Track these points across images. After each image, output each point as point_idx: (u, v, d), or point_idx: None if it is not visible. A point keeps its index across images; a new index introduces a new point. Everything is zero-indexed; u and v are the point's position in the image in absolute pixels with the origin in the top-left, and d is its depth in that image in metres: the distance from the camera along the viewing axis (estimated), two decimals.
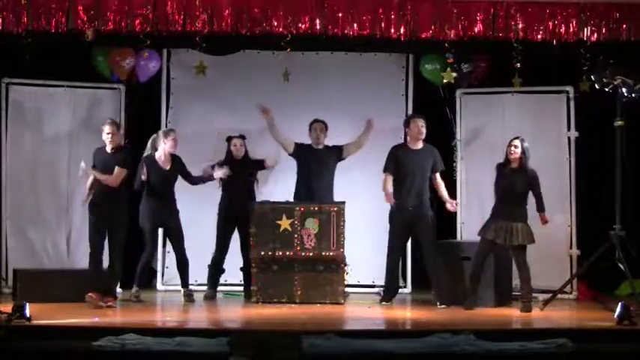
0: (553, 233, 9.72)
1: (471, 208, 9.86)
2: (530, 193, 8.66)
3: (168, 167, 9.12)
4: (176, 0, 8.84)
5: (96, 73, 9.91)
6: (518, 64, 9.28)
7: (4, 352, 6.60)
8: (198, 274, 9.56)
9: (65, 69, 9.77)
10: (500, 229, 8.53)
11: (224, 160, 9.43)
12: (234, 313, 8.58)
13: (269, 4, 8.92)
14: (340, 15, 8.96)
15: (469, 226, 9.77)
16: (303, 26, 8.94)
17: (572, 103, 9.80)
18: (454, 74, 9.68)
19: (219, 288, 9.55)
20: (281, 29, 8.93)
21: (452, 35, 9.03)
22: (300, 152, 9.47)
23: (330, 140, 9.61)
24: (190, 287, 9.25)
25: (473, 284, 8.67)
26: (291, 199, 9.41)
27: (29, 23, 8.74)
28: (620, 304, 7.51)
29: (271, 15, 8.92)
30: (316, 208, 8.98)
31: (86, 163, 8.55)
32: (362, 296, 9.57)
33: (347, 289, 9.19)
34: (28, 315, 7.13)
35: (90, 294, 8.36)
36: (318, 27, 8.95)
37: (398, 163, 9.07)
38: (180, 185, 9.30)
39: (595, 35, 9.00)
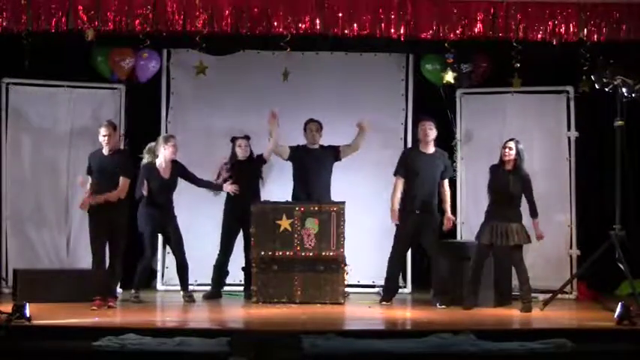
0: (553, 233, 9.74)
1: (471, 208, 9.86)
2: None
3: (168, 175, 9.08)
4: (176, 0, 8.85)
5: (96, 73, 9.91)
6: (518, 64, 9.28)
7: (4, 352, 6.60)
8: (198, 274, 9.56)
9: (65, 69, 9.77)
10: (496, 230, 8.53)
11: (229, 160, 9.43)
12: (234, 313, 8.58)
13: (269, 4, 8.92)
14: (340, 15, 8.97)
15: (469, 226, 9.77)
16: (303, 26, 8.94)
17: (572, 103, 9.80)
18: (454, 74, 9.68)
19: (220, 289, 9.54)
20: (281, 29, 8.94)
21: (452, 35, 9.04)
22: (296, 154, 9.47)
23: (330, 140, 9.60)
24: (190, 290, 9.24)
25: (472, 285, 8.67)
26: (291, 200, 9.41)
27: (29, 23, 8.74)
28: (620, 304, 7.52)
29: (271, 15, 8.93)
30: (316, 208, 8.99)
31: (83, 177, 8.57)
32: (362, 296, 9.57)
33: (347, 289, 9.19)
34: (28, 315, 7.14)
35: (96, 301, 8.34)
36: (318, 27, 8.96)
37: (408, 166, 9.05)
38: (182, 186, 9.29)
39: (595, 35, 9.01)
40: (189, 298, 9.11)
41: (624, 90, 8.42)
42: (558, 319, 8.14)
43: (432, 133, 9.04)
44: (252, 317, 8.28)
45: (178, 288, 9.33)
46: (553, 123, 9.88)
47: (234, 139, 9.48)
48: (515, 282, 8.90)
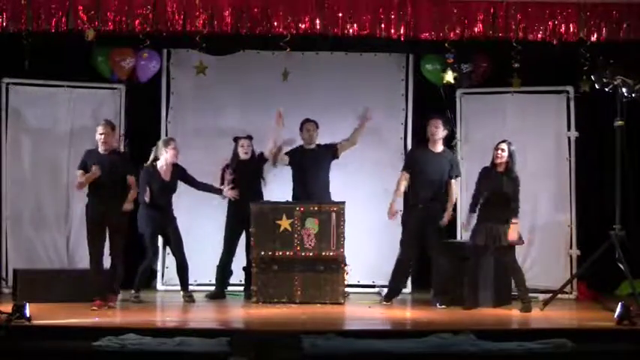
0: (553, 233, 9.75)
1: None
2: None
3: (168, 178, 9.10)
4: (176, 0, 8.85)
5: (96, 73, 9.91)
6: (517, 65, 9.27)
7: (4, 352, 6.60)
8: (199, 274, 9.57)
9: (65, 69, 9.76)
10: (489, 231, 8.54)
11: (230, 160, 9.43)
12: (234, 313, 8.58)
13: (269, 4, 8.92)
14: (340, 15, 8.97)
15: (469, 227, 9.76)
16: (303, 26, 8.95)
17: (572, 103, 9.80)
18: (454, 74, 9.68)
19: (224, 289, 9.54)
20: (281, 29, 8.94)
21: (452, 35, 9.04)
22: (294, 158, 9.47)
23: (330, 140, 9.61)
24: (190, 290, 9.24)
25: (472, 285, 8.68)
26: (291, 200, 9.41)
27: (29, 23, 8.75)
28: (620, 304, 7.53)
29: (271, 15, 8.93)
30: (316, 208, 8.99)
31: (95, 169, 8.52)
32: (362, 296, 9.56)
33: (347, 289, 9.19)
34: (28, 315, 7.14)
35: (96, 302, 8.34)
36: (318, 27, 8.96)
37: (414, 162, 9.08)
38: (182, 188, 9.29)
39: (595, 35, 9.01)
40: (189, 298, 9.11)
41: (624, 90, 8.42)
42: (558, 319, 8.14)
43: (439, 132, 9.03)
44: (252, 317, 8.28)
45: (178, 288, 9.33)
46: (553, 123, 9.88)
47: (236, 139, 9.48)
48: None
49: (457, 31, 9.03)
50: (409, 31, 9.02)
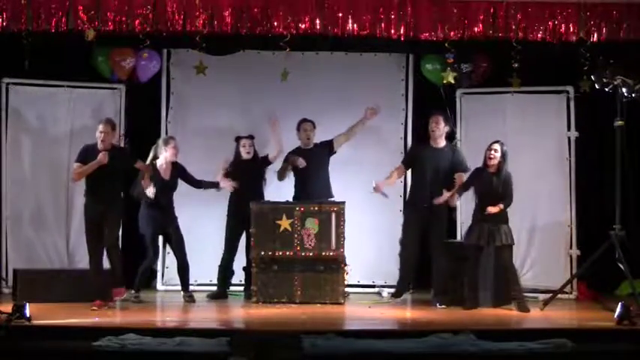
0: (553, 233, 9.75)
1: (471, 208, 9.84)
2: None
3: (168, 177, 9.10)
4: (176, 0, 8.85)
5: (96, 73, 9.91)
6: (517, 65, 9.28)
7: (4, 352, 6.60)
8: (199, 274, 9.56)
9: (65, 69, 9.76)
10: (484, 232, 8.55)
11: (232, 160, 9.43)
12: (234, 313, 8.58)
13: (269, 4, 8.92)
14: (340, 15, 8.97)
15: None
16: (303, 26, 8.95)
17: (572, 103, 9.80)
18: (454, 74, 9.68)
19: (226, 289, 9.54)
20: (281, 29, 8.95)
21: (452, 35, 9.04)
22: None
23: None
24: (191, 290, 9.24)
25: (472, 285, 8.68)
26: (291, 200, 9.41)
27: (29, 23, 8.74)
28: (620, 304, 7.53)
29: (271, 15, 8.93)
30: (316, 208, 8.99)
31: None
32: (362, 296, 9.56)
33: (347, 289, 9.19)
34: (28, 315, 7.14)
35: (96, 302, 8.33)
36: (318, 27, 8.96)
37: (415, 158, 9.10)
38: (182, 188, 9.29)
39: (595, 35, 9.01)
40: (189, 298, 9.11)
41: (624, 90, 8.42)
42: (558, 319, 8.14)
43: (440, 128, 9.04)
44: (252, 317, 8.28)
45: (178, 288, 9.33)
46: (553, 123, 9.88)
47: (238, 139, 9.48)
48: None
49: (457, 31, 9.04)
50: (409, 31, 9.02)
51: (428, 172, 8.98)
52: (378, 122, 9.87)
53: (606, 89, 8.55)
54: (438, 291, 8.96)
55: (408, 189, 9.55)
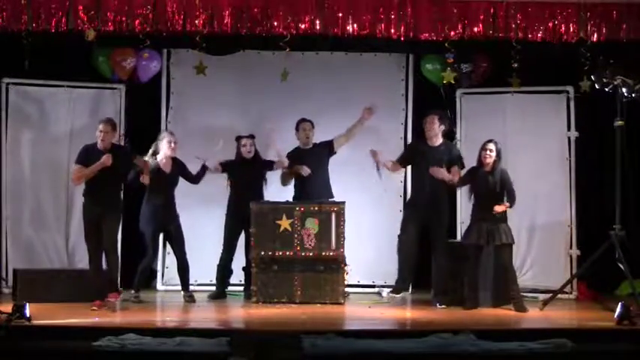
0: (553, 233, 9.75)
1: (471, 208, 9.85)
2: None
3: (169, 171, 9.12)
4: (176, 0, 8.85)
5: (96, 73, 9.91)
6: (516, 64, 9.28)
7: (4, 352, 6.60)
8: (199, 274, 9.56)
9: (65, 69, 9.76)
10: (483, 231, 8.56)
11: (233, 160, 9.43)
12: (234, 313, 8.58)
13: (269, 4, 8.93)
14: (340, 15, 8.98)
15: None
16: (303, 26, 8.95)
17: (572, 103, 9.80)
18: (454, 74, 9.68)
19: (225, 288, 9.54)
20: (281, 29, 8.95)
21: (452, 35, 9.04)
22: (293, 160, 9.47)
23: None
24: (191, 290, 9.25)
25: (472, 285, 8.69)
26: (291, 200, 9.42)
27: (29, 23, 8.74)
28: (620, 304, 7.53)
29: (271, 15, 8.93)
30: (316, 208, 8.99)
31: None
32: (362, 296, 9.56)
33: (347, 289, 9.19)
34: (28, 315, 7.14)
35: (96, 302, 8.32)
36: (318, 27, 8.97)
37: (412, 156, 9.13)
38: (183, 187, 9.29)
39: (595, 35, 9.02)
40: (189, 298, 9.11)
41: (624, 90, 8.42)
42: (558, 319, 8.14)
43: (434, 128, 9.05)
44: (252, 317, 8.28)
45: (178, 288, 9.33)
46: (553, 123, 9.88)
47: (238, 139, 9.48)
48: None
49: (457, 31, 9.04)
50: (409, 31, 9.02)
51: (423, 170, 8.99)
52: (378, 122, 9.87)
53: (606, 89, 8.55)
54: (438, 291, 8.97)
55: (409, 189, 9.56)
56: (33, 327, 7.08)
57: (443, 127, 9.11)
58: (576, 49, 9.10)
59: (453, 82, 9.74)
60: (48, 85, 9.78)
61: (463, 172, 8.97)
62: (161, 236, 9.44)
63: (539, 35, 9.05)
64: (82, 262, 9.32)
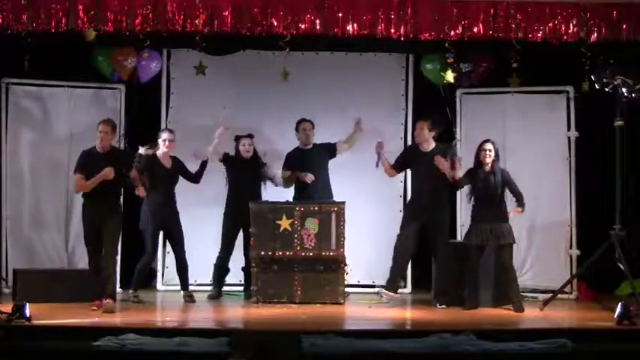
0: (553, 233, 9.75)
1: (471, 208, 9.85)
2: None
3: (169, 166, 9.14)
4: (176, 0, 8.84)
5: (96, 73, 9.91)
6: (515, 64, 9.28)
7: (4, 352, 6.60)
8: (199, 274, 9.56)
9: (65, 69, 9.76)
10: (485, 231, 8.57)
11: (234, 156, 9.43)
12: (234, 313, 8.58)
13: (269, 4, 8.92)
14: (340, 15, 8.97)
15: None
16: (303, 26, 8.94)
17: (572, 103, 9.80)
18: (454, 74, 9.67)
19: (222, 288, 9.54)
20: (281, 29, 8.94)
21: (452, 35, 9.03)
22: (293, 160, 9.48)
23: (330, 141, 9.62)
24: (190, 289, 9.25)
25: (472, 286, 8.69)
26: (291, 200, 9.42)
27: (29, 23, 8.74)
28: (620, 304, 7.53)
29: (271, 15, 8.92)
30: (316, 208, 8.99)
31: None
32: (362, 296, 9.56)
33: (347, 289, 9.19)
34: (28, 315, 7.14)
35: (95, 302, 8.30)
36: (318, 27, 8.96)
37: (406, 161, 9.11)
38: (186, 185, 9.30)
39: (595, 35, 9.01)
40: (189, 298, 9.11)
41: (624, 90, 8.43)
42: (558, 319, 8.15)
43: (423, 134, 9.00)
44: (251, 317, 8.28)
45: (178, 288, 9.34)
46: (553, 123, 9.87)
47: (237, 138, 9.48)
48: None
49: (457, 31, 9.03)
50: (409, 31, 9.01)
51: (422, 177, 8.97)
52: (378, 122, 9.89)
53: (606, 89, 8.56)
54: (438, 291, 8.96)
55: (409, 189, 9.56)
56: (33, 327, 7.09)
57: (433, 134, 9.04)
58: (576, 49, 9.10)
59: (452, 82, 9.74)
60: (48, 85, 9.79)
61: (460, 173, 8.94)
62: (161, 235, 9.45)
63: (539, 35, 9.04)
64: (82, 262, 9.32)
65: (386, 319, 8.29)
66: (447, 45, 9.21)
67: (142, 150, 8.94)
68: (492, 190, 8.61)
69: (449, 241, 9.29)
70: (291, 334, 6.88)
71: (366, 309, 8.73)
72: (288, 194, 9.51)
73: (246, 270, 9.31)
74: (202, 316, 8.50)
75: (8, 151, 9.66)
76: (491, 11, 9.02)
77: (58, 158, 9.73)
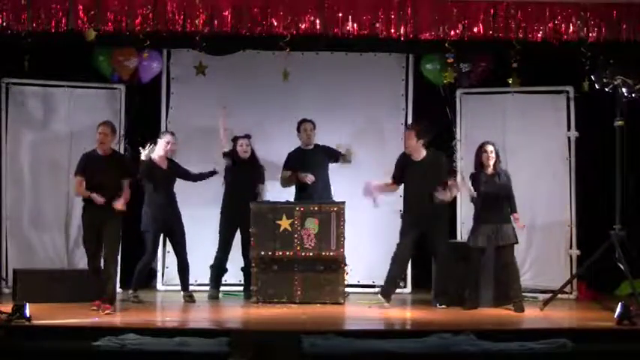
0: (553, 233, 9.75)
1: (471, 208, 9.84)
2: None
3: (165, 167, 9.15)
4: (176, 0, 8.84)
5: (96, 73, 9.91)
6: (516, 64, 9.28)
7: (4, 352, 6.60)
8: (199, 274, 9.56)
9: (65, 69, 9.76)
10: (489, 233, 8.57)
11: (230, 160, 9.44)
12: (234, 313, 8.58)
13: (269, 4, 8.92)
14: (340, 15, 8.96)
15: (469, 226, 9.71)
16: (303, 26, 8.94)
17: (572, 103, 9.81)
18: (454, 74, 9.67)
19: (220, 288, 9.55)
20: (281, 29, 8.94)
21: (452, 35, 9.03)
22: (294, 160, 9.48)
23: (330, 140, 9.62)
24: (191, 289, 9.25)
25: (473, 286, 8.69)
26: (291, 200, 9.42)
27: (29, 23, 8.74)
28: (620, 304, 7.53)
29: (271, 15, 8.92)
30: (316, 208, 8.99)
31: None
32: (362, 296, 9.56)
33: (347, 289, 9.19)
34: (28, 315, 7.14)
35: (95, 302, 8.29)
36: (318, 27, 8.96)
37: (404, 172, 9.00)
38: (185, 184, 9.31)
39: (595, 35, 9.00)
40: (189, 298, 9.11)
41: (624, 90, 8.43)
42: (558, 319, 8.15)
43: (410, 144, 8.89)
44: (251, 317, 8.28)
45: (178, 288, 9.34)
46: (553, 123, 9.88)
47: (235, 139, 9.48)
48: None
49: (457, 31, 9.03)
50: (409, 31, 9.01)
51: (416, 187, 8.88)
52: (378, 122, 9.88)
53: (606, 89, 8.55)
54: (438, 291, 8.96)
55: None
56: (33, 327, 7.08)
57: (421, 142, 8.92)
58: (576, 49, 9.10)
59: (452, 82, 9.74)
60: (48, 85, 9.79)
61: (459, 176, 8.93)
62: (161, 235, 9.44)
63: (539, 35, 9.04)
64: (82, 262, 9.30)
65: (386, 319, 8.29)
66: (446, 45, 9.21)
67: (143, 155, 8.95)
68: (497, 191, 8.61)
69: (449, 241, 9.29)
70: (291, 334, 6.88)
71: (366, 309, 8.73)
72: (288, 194, 9.51)
73: (245, 270, 9.31)
74: (202, 316, 8.50)
75: (8, 151, 9.67)
76: (491, 11, 9.02)
77: (58, 158, 9.73)
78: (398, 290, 9.31)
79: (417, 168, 8.91)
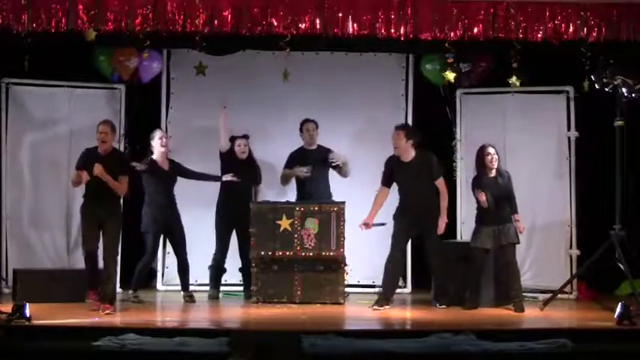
0: (553, 233, 9.75)
1: (471, 208, 9.84)
2: None
3: (166, 168, 9.15)
4: (176, 0, 8.84)
5: (96, 73, 9.91)
6: (516, 64, 9.28)
7: (4, 352, 6.60)
8: (199, 274, 9.56)
9: (65, 69, 9.76)
10: (492, 233, 8.58)
11: (228, 158, 9.44)
12: (234, 313, 8.59)
13: (269, 4, 8.91)
14: (340, 15, 8.96)
15: (469, 226, 9.72)
16: (303, 26, 8.93)
17: (572, 103, 9.81)
18: (454, 74, 9.67)
19: (220, 288, 9.55)
20: (281, 29, 8.93)
21: (452, 35, 9.03)
22: (296, 160, 9.47)
23: (330, 140, 9.63)
24: (191, 289, 9.25)
25: (473, 286, 8.69)
26: (292, 200, 9.42)
27: (29, 23, 8.73)
28: (620, 304, 7.53)
29: (271, 15, 8.92)
30: (316, 208, 8.99)
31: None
32: (362, 296, 9.56)
33: (347, 289, 9.19)
34: (28, 315, 7.14)
35: (91, 295, 8.30)
36: (318, 27, 8.95)
37: (393, 175, 8.96)
38: (184, 184, 9.30)
39: (595, 35, 9.00)
40: (189, 298, 9.12)
41: (624, 90, 8.43)
42: (558, 319, 8.15)
43: (400, 144, 8.84)
44: (251, 317, 8.29)
45: (178, 288, 9.34)
46: (553, 123, 9.88)
47: (232, 139, 9.48)
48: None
49: (457, 31, 9.03)
50: (409, 31, 9.01)
51: (407, 189, 8.85)
52: (378, 122, 9.88)
53: (606, 89, 8.56)
54: (438, 291, 8.95)
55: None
56: (33, 327, 7.09)
57: (411, 142, 8.86)
58: (576, 49, 9.09)
59: (452, 82, 9.74)
60: (48, 85, 9.79)
61: (459, 180, 8.94)
62: (161, 236, 9.44)
63: (539, 35, 9.03)
64: (82, 262, 9.29)
65: (386, 319, 8.29)
66: (446, 45, 9.20)
67: (138, 168, 8.96)
68: (500, 192, 8.62)
69: (449, 241, 9.30)
70: (291, 334, 6.88)
71: (366, 309, 8.73)
72: (287, 194, 9.50)
73: (244, 270, 9.31)
74: (202, 316, 8.50)
75: (8, 150, 9.66)
76: (492, 11, 9.01)
77: (58, 158, 9.73)
78: (398, 290, 9.29)
79: (407, 169, 8.88)
